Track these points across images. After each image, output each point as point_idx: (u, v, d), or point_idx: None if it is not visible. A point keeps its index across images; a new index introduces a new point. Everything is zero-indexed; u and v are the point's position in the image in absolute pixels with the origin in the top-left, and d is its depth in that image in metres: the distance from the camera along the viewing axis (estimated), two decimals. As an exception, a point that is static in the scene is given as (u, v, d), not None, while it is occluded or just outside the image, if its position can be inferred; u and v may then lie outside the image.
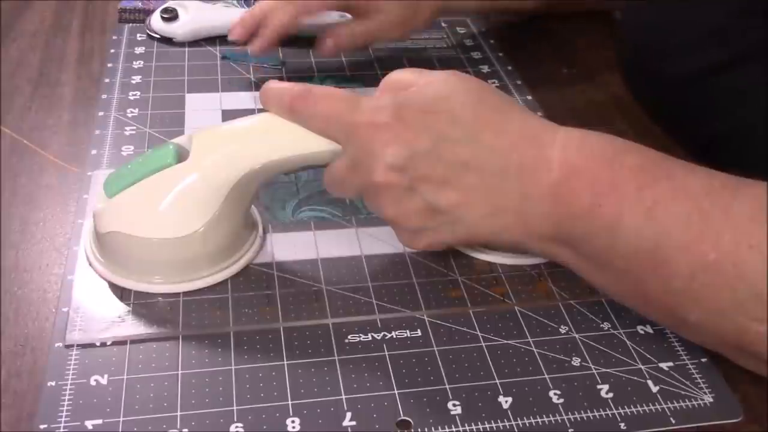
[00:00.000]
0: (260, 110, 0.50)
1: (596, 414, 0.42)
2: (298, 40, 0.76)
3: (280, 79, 0.69)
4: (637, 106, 0.68)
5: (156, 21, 0.75)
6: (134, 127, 0.63)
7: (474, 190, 0.46)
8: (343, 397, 0.42)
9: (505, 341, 0.46)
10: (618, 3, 0.72)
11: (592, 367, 0.45)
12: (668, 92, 0.63)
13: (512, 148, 0.45)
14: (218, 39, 0.75)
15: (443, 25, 0.82)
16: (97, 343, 0.45)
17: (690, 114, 0.61)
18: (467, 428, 0.41)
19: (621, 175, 0.43)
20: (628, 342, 0.46)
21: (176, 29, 0.75)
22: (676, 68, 0.61)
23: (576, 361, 0.45)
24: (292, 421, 0.41)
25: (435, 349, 0.46)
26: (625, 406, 0.43)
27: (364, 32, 0.69)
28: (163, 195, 0.47)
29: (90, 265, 0.49)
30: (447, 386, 0.43)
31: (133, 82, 0.69)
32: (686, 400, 0.43)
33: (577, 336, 0.47)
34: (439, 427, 0.41)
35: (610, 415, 0.42)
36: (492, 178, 0.45)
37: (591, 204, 0.43)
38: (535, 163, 0.45)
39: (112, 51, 0.73)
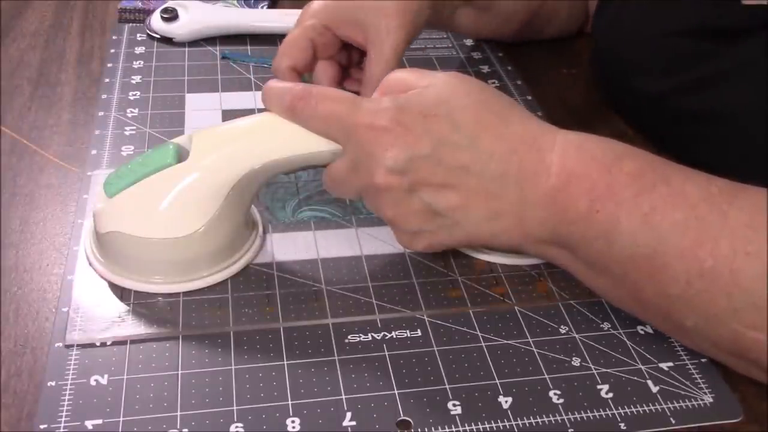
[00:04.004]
0: (260, 110, 0.50)
1: (596, 414, 0.42)
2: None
3: (280, 79, 0.69)
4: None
5: (156, 21, 0.75)
6: (134, 127, 0.63)
7: (473, 194, 0.46)
8: (343, 397, 0.42)
9: (505, 341, 0.46)
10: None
11: (592, 367, 0.45)
12: (641, 109, 0.63)
13: (512, 153, 0.45)
14: (218, 39, 0.75)
15: (443, 25, 0.82)
16: (97, 343, 0.45)
17: (663, 133, 0.61)
18: (467, 428, 0.41)
19: (618, 180, 0.43)
20: (628, 342, 0.46)
21: (176, 29, 0.75)
22: (646, 87, 0.61)
23: (576, 361, 0.45)
24: (292, 421, 0.41)
25: (435, 349, 0.46)
26: (625, 406, 0.43)
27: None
28: (163, 195, 0.47)
29: (90, 265, 0.49)
30: (447, 386, 0.43)
31: (133, 82, 0.69)
32: (686, 400, 0.43)
33: (577, 336, 0.47)
34: (439, 427, 0.41)
35: (610, 415, 0.42)
36: (491, 183, 0.45)
37: (588, 209, 0.43)
38: (534, 168, 0.45)
39: (112, 51, 0.73)
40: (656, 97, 0.60)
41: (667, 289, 0.41)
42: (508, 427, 0.41)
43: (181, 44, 0.75)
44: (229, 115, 0.65)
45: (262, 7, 0.81)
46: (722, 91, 0.55)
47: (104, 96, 0.66)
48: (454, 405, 0.42)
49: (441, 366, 0.44)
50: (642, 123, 0.63)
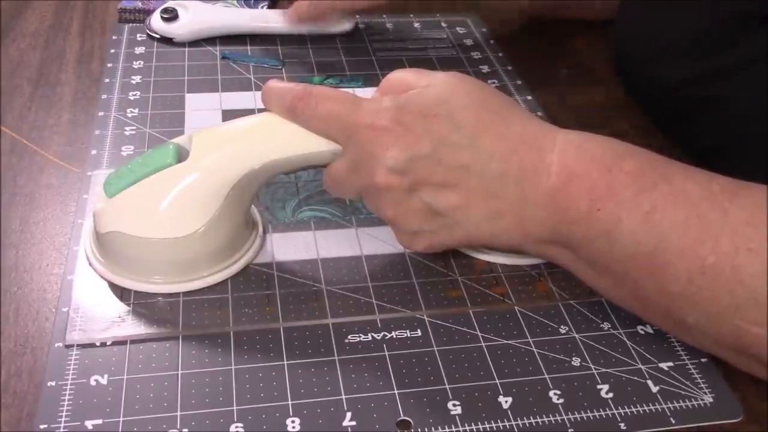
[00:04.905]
0: (260, 110, 0.50)
1: (596, 414, 0.42)
2: (298, 39, 0.76)
3: (280, 79, 0.69)
4: (637, 106, 0.68)
5: (156, 21, 0.75)
6: (134, 127, 0.62)
7: (473, 194, 0.46)
8: (343, 397, 0.42)
9: (505, 341, 0.46)
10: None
11: (592, 367, 0.45)
12: (664, 97, 0.63)
13: (512, 153, 0.45)
14: (218, 39, 0.75)
15: (443, 25, 0.82)
16: (97, 343, 0.45)
17: (685, 120, 0.61)
18: (467, 428, 0.41)
19: (619, 180, 0.43)
20: (628, 342, 0.46)
21: (176, 29, 0.75)
22: (670, 74, 0.61)
23: (576, 361, 0.45)
24: (292, 421, 0.41)
25: (435, 349, 0.46)
26: (625, 406, 0.43)
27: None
28: (163, 195, 0.47)
29: (90, 265, 0.49)
30: (447, 386, 0.43)
31: (133, 82, 0.69)
32: (686, 400, 0.43)
33: (577, 336, 0.47)
34: (439, 427, 0.41)
35: (610, 415, 0.42)
36: (491, 183, 0.45)
37: (589, 209, 0.43)
38: (534, 168, 0.45)
39: (112, 51, 0.73)
40: (683, 84, 0.60)
41: (669, 287, 0.41)
42: (508, 427, 0.41)
43: (181, 44, 0.75)
44: (229, 115, 0.65)
45: (262, 7, 0.81)
46: (750, 77, 0.55)
47: (104, 96, 0.66)
48: (454, 405, 0.42)
49: (441, 366, 0.44)
50: (667, 113, 0.63)
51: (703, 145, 0.60)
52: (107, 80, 0.68)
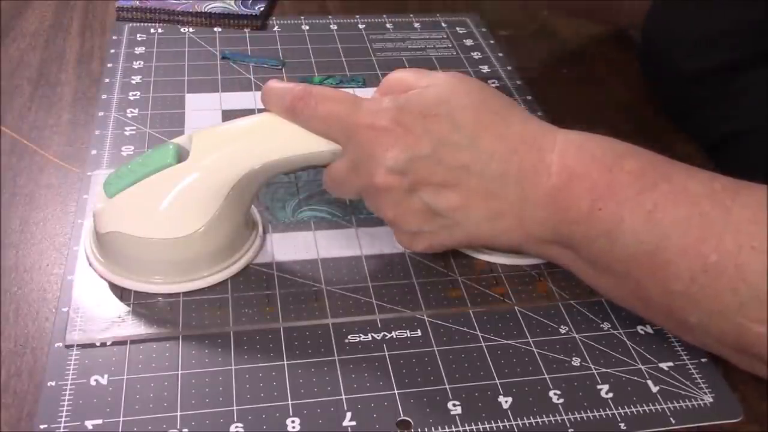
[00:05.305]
0: (260, 110, 0.50)
1: (596, 414, 0.42)
2: (299, 39, 0.76)
3: (280, 79, 0.69)
4: (637, 106, 0.68)
5: None
6: (134, 127, 0.62)
7: (473, 194, 0.46)
8: (343, 397, 0.42)
9: (505, 341, 0.46)
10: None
11: (592, 367, 0.45)
12: (689, 86, 0.63)
13: (512, 153, 0.45)
14: (218, 39, 0.75)
15: (443, 25, 0.82)
16: (97, 343, 0.45)
17: (704, 112, 0.61)
18: (467, 428, 0.41)
19: (620, 179, 0.43)
20: (628, 342, 0.46)
21: None
22: (694, 65, 0.61)
23: (576, 361, 0.45)
24: (292, 421, 0.41)
25: (435, 349, 0.46)
26: (625, 406, 0.43)
27: None
28: (163, 195, 0.47)
29: (90, 265, 0.49)
30: (447, 386, 0.43)
31: (133, 82, 0.69)
32: (686, 400, 0.43)
33: (577, 336, 0.47)
34: (439, 427, 0.41)
35: (610, 415, 0.42)
36: (491, 183, 0.45)
37: (590, 208, 0.43)
38: (534, 168, 0.45)
39: (112, 51, 0.73)
40: (712, 72, 0.60)
41: (671, 285, 0.41)
42: (508, 427, 0.41)
43: (182, 44, 0.75)
44: (229, 115, 0.65)
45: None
46: None
47: (104, 96, 0.66)
48: (454, 405, 0.42)
49: (441, 366, 0.44)
50: (689, 102, 0.63)
51: (722, 133, 0.60)
52: (107, 80, 0.68)
